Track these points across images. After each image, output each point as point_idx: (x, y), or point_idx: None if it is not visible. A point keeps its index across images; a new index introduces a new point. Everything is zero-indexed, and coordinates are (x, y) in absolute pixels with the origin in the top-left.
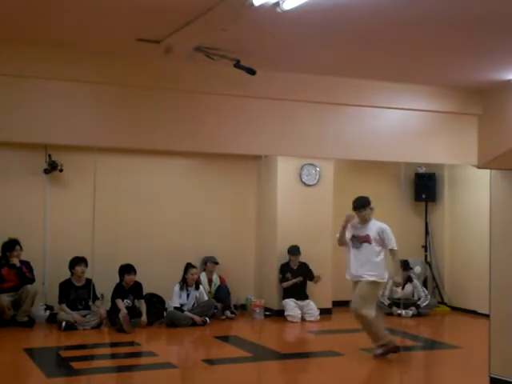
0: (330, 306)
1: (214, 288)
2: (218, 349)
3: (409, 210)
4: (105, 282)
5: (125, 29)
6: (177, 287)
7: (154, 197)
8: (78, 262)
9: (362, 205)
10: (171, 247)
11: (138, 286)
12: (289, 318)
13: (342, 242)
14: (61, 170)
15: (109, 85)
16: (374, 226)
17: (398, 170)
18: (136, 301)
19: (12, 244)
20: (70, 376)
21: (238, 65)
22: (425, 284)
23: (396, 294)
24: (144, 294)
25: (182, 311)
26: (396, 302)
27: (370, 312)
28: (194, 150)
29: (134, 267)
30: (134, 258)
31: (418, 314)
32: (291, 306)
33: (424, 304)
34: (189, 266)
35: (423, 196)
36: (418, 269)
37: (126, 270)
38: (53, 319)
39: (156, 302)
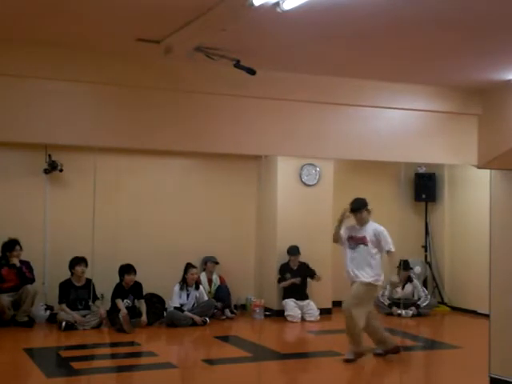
0: (329, 305)
1: (214, 288)
2: (218, 349)
3: (409, 209)
4: (105, 281)
5: (125, 29)
6: (177, 287)
7: (154, 197)
8: (77, 261)
9: (358, 207)
10: (171, 247)
11: (137, 285)
12: (289, 318)
13: (336, 238)
14: (61, 170)
15: (109, 85)
16: (371, 228)
17: (398, 170)
18: (136, 301)
19: (12, 244)
20: (69, 376)
21: (237, 65)
22: (425, 284)
23: (396, 294)
24: (144, 293)
25: (182, 311)
26: (396, 302)
27: (359, 315)
28: (194, 149)
29: (134, 267)
30: (133, 258)
31: (418, 314)
32: (291, 306)
33: (424, 304)
34: (189, 265)
35: (423, 196)
36: (418, 269)
37: (126, 269)
38: (53, 319)
39: (156, 302)
